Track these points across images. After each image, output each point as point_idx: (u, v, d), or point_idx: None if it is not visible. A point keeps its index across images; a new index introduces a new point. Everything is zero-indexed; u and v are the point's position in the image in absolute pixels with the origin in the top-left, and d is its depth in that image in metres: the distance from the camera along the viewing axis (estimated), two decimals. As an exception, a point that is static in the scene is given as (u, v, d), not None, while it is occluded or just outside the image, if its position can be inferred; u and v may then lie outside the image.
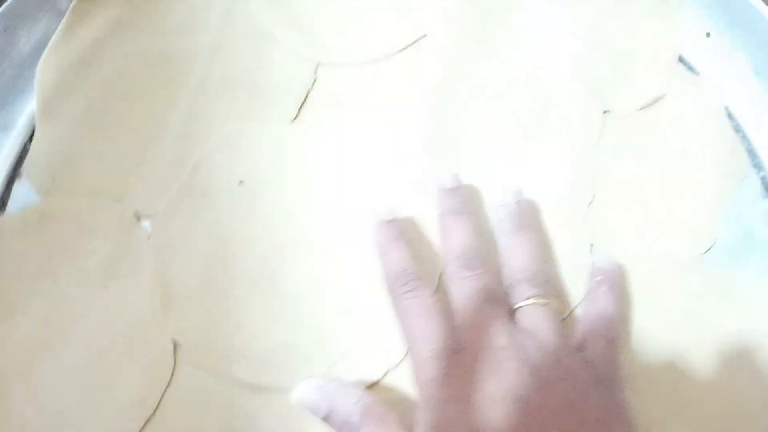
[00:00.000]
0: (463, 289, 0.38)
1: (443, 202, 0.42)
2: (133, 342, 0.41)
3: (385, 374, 0.41)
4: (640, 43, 0.49)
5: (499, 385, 0.34)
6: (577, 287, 0.42)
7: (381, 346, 0.41)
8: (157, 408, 0.40)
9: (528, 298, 0.38)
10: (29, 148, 0.46)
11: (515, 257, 0.40)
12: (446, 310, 0.38)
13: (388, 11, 0.50)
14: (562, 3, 0.50)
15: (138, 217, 0.44)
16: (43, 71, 0.47)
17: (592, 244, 0.43)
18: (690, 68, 0.49)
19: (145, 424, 0.40)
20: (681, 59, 0.49)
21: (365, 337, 0.41)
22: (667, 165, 0.45)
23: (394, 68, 0.48)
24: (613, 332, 0.39)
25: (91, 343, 0.41)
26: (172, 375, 0.41)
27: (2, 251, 0.43)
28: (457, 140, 0.46)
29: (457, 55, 0.48)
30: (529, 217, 0.42)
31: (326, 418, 0.37)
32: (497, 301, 0.38)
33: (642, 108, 0.47)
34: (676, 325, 0.41)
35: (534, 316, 0.38)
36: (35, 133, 0.46)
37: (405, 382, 0.40)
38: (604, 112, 0.47)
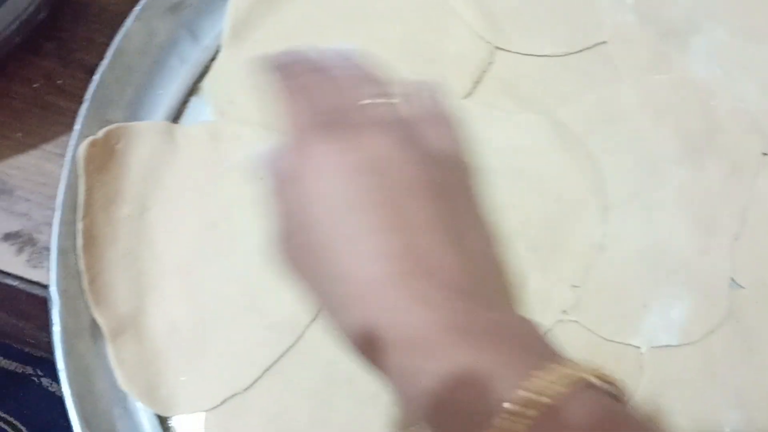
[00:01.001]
0: None
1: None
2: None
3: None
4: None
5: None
6: (709, 317, 0.43)
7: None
8: (299, 338, 0.42)
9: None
10: (211, 66, 0.47)
11: None
12: None
13: (572, 12, 0.51)
14: (746, 37, 0.50)
15: (307, 156, 0.45)
16: (238, -4, 0.48)
17: (732, 278, 0.44)
18: None
19: (287, 349, 0.41)
20: None
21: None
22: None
23: (568, 65, 0.49)
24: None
25: (253, 256, 0.43)
26: (318, 310, 0.42)
27: (174, 158, 0.44)
28: (620, 144, 0.47)
29: (631, 64, 0.49)
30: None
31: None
32: None
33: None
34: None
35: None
36: (220, 53, 0.48)
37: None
38: (764, 154, 0.48)
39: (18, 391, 0.85)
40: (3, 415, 0.84)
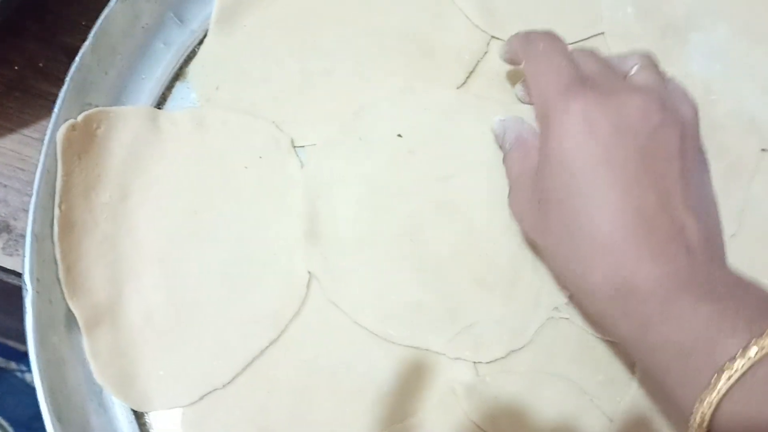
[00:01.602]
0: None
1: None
2: (274, 261, 0.42)
3: (507, 354, 0.41)
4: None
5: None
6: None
7: (507, 326, 0.41)
8: (282, 332, 0.41)
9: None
10: (198, 51, 0.46)
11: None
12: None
13: (570, 3, 0.50)
14: (748, 35, 0.49)
15: (294, 144, 0.44)
16: (228, -22, 0.47)
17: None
18: None
19: (269, 344, 0.40)
20: None
21: (494, 314, 0.41)
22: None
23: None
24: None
25: (236, 246, 0.42)
26: (302, 304, 0.41)
27: (157, 144, 0.43)
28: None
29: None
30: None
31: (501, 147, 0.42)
32: None
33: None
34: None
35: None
36: (206, 38, 0.46)
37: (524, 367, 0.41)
38: (762, 150, 0.47)
39: (0, 387, 0.84)
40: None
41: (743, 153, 0.47)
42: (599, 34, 0.49)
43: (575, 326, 0.42)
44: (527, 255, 0.42)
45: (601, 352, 0.42)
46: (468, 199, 0.43)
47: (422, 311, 0.41)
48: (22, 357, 0.83)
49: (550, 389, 0.41)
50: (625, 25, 0.49)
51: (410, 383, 0.41)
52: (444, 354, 0.41)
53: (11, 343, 0.82)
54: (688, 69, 0.49)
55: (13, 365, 0.84)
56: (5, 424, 0.82)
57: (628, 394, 0.41)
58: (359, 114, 0.45)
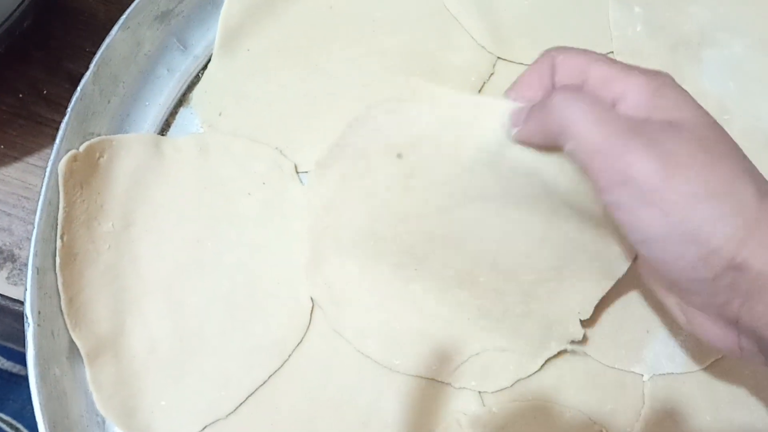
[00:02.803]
0: None
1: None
2: (277, 289, 0.42)
3: (514, 383, 0.40)
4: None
5: None
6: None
7: (514, 356, 0.41)
8: (286, 361, 0.40)
9: None
10: (201, 77, 0.46)
11: None
12: None
13: (580, 20, 0.49)
14: (758, 49, 0.48)
15: (297, 170, 0.44)
16: (231, 3, 0.46)
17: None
18: None
19: (272, 373, 0.40)
20: None
21: (500, 343, 0.41)
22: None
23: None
24: None
25: (240, 275, 0.42)
26: (305, 333, 0.41)
27: (160, 171, 0.43)
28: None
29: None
30: None
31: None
32: None
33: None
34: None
35: None
36: (210, 63, 0.46)
37: (531, 396, 0.40)
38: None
39: (20, 393, 0.85)
40: (5, 417, 0.84)
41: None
42: (608, 53, 0.48)
43: (582, 355, 0.41)
44: (540, 291, 0.40)
45: (609, 380, 0.41)
46: (473, 232, 0.42)
47: (427, 340, 0.41)
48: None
49: (558, 419, 0.40)
50: (635, 43, 0.48)
51: (415, 413, 0.40)
52: (449, 383, 0.40)
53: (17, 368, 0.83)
54: (701, 87, 0.48)
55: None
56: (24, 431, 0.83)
57: (638, 423, 0.41)
58: (355, 129, 0.44)
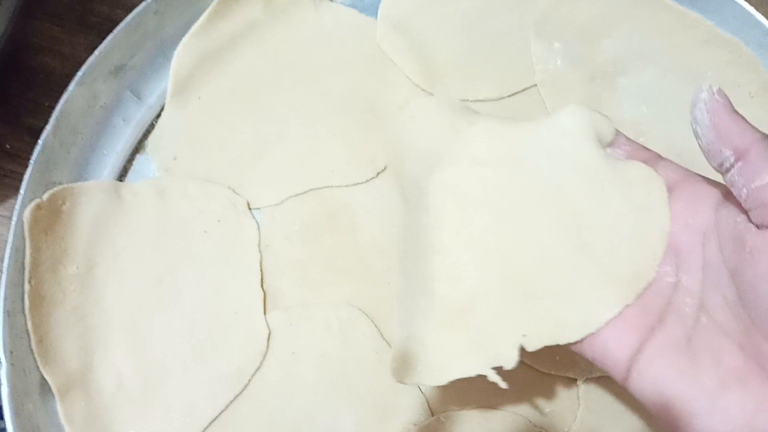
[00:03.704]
0: None
1: None
2: (235, 320, 0.45)
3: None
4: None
5: None
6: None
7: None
8: (246, 386, 0.43)
9: None
10: (156, 124, 0.49)
11: None
12: None
13: (507, 56, 0.53)
14: (674, 76, 0.53)
15: (250, 207, 0.47)
16: (181, 54, 0.50)
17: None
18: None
19: (233, 399, 0.43)
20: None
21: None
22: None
23: (502, 110, 0.52)
24: None
25: (199, 310, 0.45)
26: (263, 359, 0.44)
27: (120, 215, 0.46)
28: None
29: (560, 105, 0.51)
30: None
31: None
32: None
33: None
34: None
35: None
36: (164, 111, 0.49)
37: (475, 404, 0.43)
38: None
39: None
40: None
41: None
42: (533, 86, 0.52)
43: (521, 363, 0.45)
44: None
45: (546, 386, 0.45)
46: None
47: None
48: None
49: (501, 424, 0.44)
50: (556, 76, 0.52)
51: (370, 428, 0.43)
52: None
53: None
54: (619, 113, 0.52)
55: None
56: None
57: (575, 424, 0.44)
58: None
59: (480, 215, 0.37)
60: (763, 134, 0.31)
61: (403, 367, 0.36)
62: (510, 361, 0.35)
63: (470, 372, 0.35)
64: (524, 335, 0.35)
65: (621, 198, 0.36)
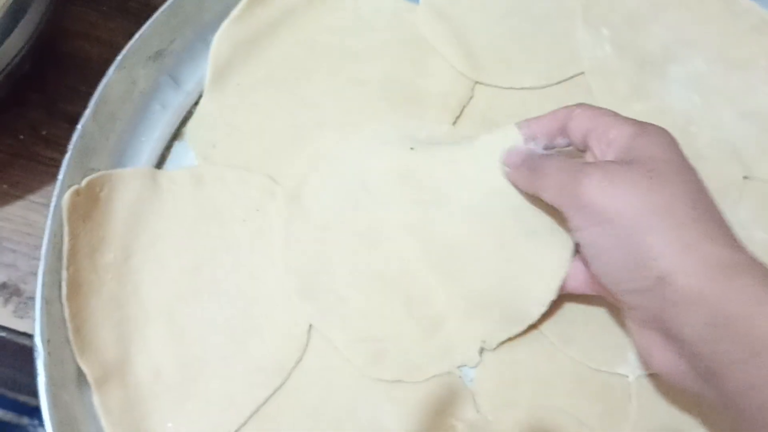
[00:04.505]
0: None
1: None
2: (274, 311, 0.43)
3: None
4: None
5: None
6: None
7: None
8: (286, 380, 0.42)
9: None
10: (194, 111, 0.48)
11: None
12: None
13: (550, 45, 0.52)
14: (724, 64, 0.51)
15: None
16: (220, 40, 0.49)
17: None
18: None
19: (273, 393, 0.42)
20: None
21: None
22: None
23: (548, 97, 0.50)
24: None
25: (237, 300, 0.44)
26: (304, 352, 0.43)
27: (158, 203, 0.45)
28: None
29: (609, 94, 0.50)
30: None
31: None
32: None
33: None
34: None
35: None
36: (202, 98, 0.48)
37: (524, 401, 0.42)
38: (745, 177, 0.48)
39: (8, 435, 0.84)
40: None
41: (726, 181, 0.48)
42: (580, 73, 0.51)
43: (570, 359, 0.43)
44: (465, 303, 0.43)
45: (597, 383, 0.43)
46: (453, 244, 0.44)
47: (415, 349, 0.43)
48: (34, 411, 0.84)
49: (550, 423, 0.42)
50: (604, 63, 0.51)
51: (413, 425, 0.42)
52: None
53: (22, 398, 0.83)
54: (668, 102, 0.50)
55: (25, 420, 0.85)
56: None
57: (627, 423, 0.42)
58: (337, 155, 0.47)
59: (438, 248, 0.44)
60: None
61: (377, 365, 0.42)
62: (473, 361, 0.43)
63: (443, 371, 0.43)
64: (483, 341, 0.43)
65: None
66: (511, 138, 0.43)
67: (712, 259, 0.32)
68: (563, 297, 0.44)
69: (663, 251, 0.33)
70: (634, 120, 0.38)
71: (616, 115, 0.39)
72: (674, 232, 0.33)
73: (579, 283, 0.41)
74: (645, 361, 0.37)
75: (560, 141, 0.41)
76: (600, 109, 0.39)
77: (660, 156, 0.36)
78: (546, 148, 0.42)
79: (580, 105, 0.40)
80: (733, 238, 0.34)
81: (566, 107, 0.41)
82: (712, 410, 0.40)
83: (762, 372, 0.30)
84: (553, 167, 0.38)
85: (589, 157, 0.40)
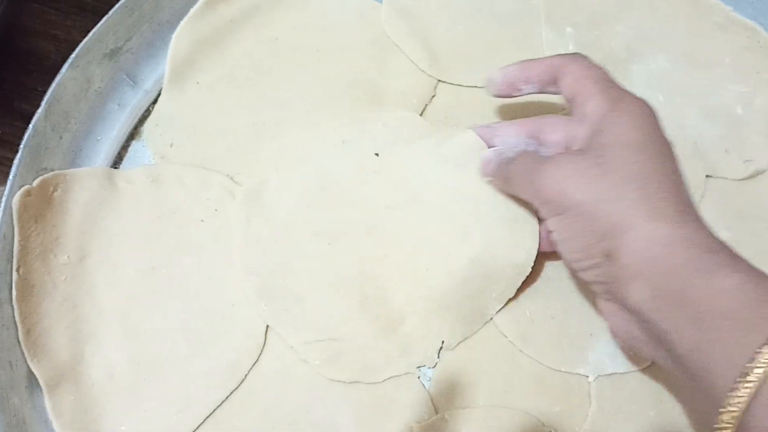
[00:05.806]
0: None
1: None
2: (231, 312, 0.43)
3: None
4: (755, 114, 0.50)
5: None
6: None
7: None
8: (242, 381, 0.41)
9: None
10: (152, 110, 0.47)
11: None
12: None
13: (513, 42, 0.51)
14: (686, 63, 0.51)
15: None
16: (179, 38, 0.48)
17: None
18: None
19: (229, 394, 0.41)
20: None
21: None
22: (765, 234, 0.47)
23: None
24: None
25: (194, 300, 0.43)
26: (260, 353, 0.42)
27: (114, 203, 0.44)
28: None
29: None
30: None
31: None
32: None
33: (747, 177, 0.48)
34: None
35: None
36: (160, 97, 0.48)
37: (482, 401, 0.41)
38: (708, 176, 0.48)
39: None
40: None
41: (689, 180, 0.47)
42: (542, 71, 0.50)
43: (529, 359, 0.43)
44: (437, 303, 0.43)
45: (557, 384, 0.43)
46: (416, 241, 0.44)
47: (373, 351, 0.42)
48: None
49: (508, 423, 0.42)
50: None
51: (369, 425, 0.41)
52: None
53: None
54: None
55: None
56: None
57: (586, 423, 0.42)
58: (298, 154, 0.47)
59: (399, 248, 0.44)
60: None
61: (334, 366, 0.42)
62: (431, 361, 0.43)
63: (401, 372, 0.42)
64: (443, 340, 0.43)
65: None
66: (470, 140, 0.43)
67: (653, 236, 0.34)
68: (523, 297, 0.44)
69: (609, 231, 0.35)
70: (617, 90, 0.40)
71: (599, 81, 0.40)
72: (619, 215, 0.35)
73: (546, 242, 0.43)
74: (610, 330, 0.39)
75: (551, 89, 0.43)
76: (590, 69, 0.41)
77: (622, 138, 0.37)
78: (540, 92, 0.43)
79: (575, 59, 0.42)
80: (682, 212, 0.35)
81: (561, 56, 0.42)
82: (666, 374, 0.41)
83: (705, 335, 0.31)
84: (517, 171, 0.41)
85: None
